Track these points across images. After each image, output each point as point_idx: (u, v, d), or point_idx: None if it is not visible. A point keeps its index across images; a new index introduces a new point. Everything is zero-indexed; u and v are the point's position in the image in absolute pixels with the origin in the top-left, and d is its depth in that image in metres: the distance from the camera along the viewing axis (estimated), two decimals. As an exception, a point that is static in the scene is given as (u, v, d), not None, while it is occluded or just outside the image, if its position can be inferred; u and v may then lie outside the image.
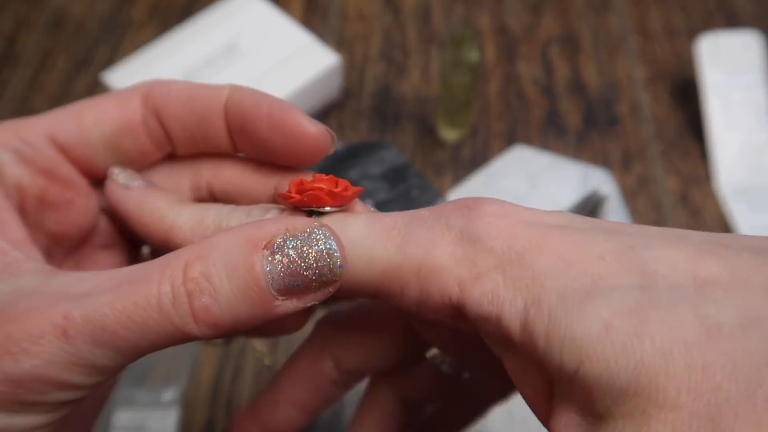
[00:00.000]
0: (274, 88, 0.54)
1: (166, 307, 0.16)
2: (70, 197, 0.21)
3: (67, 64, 0.63)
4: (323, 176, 0.20)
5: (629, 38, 0.64)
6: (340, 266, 0.17)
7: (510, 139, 0.57)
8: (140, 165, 0.22)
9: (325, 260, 0.17)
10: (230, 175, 0.22)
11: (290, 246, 0.17)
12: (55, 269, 0.18)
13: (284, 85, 0.54)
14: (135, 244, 0.24)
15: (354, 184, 0.21)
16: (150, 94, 0.21)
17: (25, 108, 0.59)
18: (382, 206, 0.56)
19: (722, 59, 0.57)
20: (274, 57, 0.56)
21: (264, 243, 0.17)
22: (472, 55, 0.51)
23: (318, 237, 0.17)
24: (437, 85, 0.60)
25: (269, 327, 0.21)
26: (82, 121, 0.21)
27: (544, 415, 0.18)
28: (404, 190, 0.56)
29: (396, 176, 0.56)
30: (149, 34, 0.64)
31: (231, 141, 0.21)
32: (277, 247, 0.17)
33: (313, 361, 0.24)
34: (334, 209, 0.19)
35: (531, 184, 0.51)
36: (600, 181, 0.50)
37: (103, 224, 0.23)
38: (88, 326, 0.16)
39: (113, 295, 0.16)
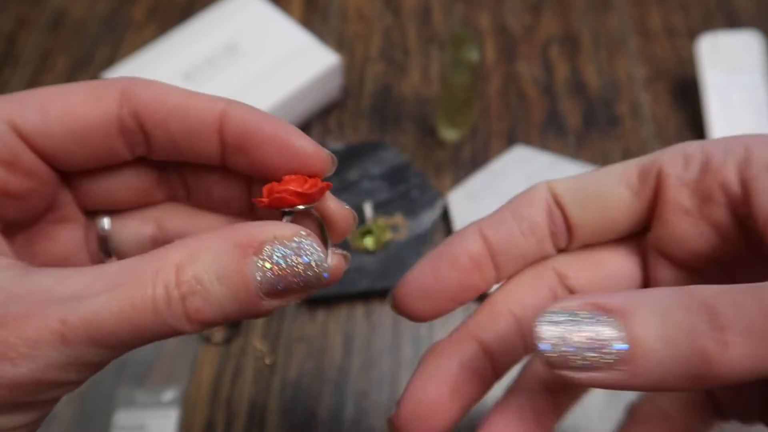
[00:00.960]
0: (274, 88, 0.54)
1: (160, 309, 0.17)
2: (31, 187, 0.20)
3: (67, 64, 0.63)
4: (292, 176, 0.20)
5: (629, 38, 0.64)
6: (326, 275, 0.19)
7: (510, 139, 0.57)
8: (106, 162, 0.21)
9: (313, 270, 0.18)
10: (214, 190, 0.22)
11: (279, 254, 0.18)
12: (27, 265, 0.18)
13: (284, 85, 0.54)
14: (90, 216, 0.24)
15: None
16: (131, 93, 0.20)
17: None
18: (382, 206, 0.56)
19: (722, 59, 0.57)
20: (274, 57, 0.56)
21: (253, 249, 0.18)
22: (472, 55, 0.51)
23: (306, 248, 0.18)
24: (437, 85, 0.60)
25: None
26: (47, 113, 0.20)
27: None
28: (404, 190, 0.56)
29: (396, 176, 0.56)
30: (149, 34, 0.64)
31: (220, 155, 0.21)
32: (266, 255, 0.18)
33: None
34: (304, 207, 0.20)
35: (531, 184, 0.51)
36: (600, 181, 0.50)
37: (61, 199, 0.22)
38: (85, 329, 0.16)
39: (109, 298, 0.17)
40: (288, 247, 0.18)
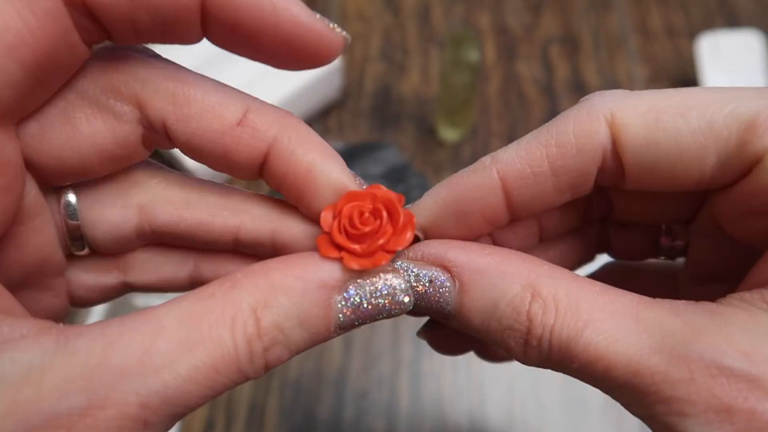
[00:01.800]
0: (274, 88, 0.54)
1: (244, 366, 0.16)
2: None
3: (67, 64, 0.63)
4: (353, 197, 0.19)
5: (629, 38, 0.64)
6: (409, 305, 0.18)
7: (510, 139, 0.57)
8: (56, 63, 0.16)
9: (397, 304, 0.18)
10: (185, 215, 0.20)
11: (363, 294, 0.17)
12: (51, 325, 0.15)
13: (284, 85, 0.54)
14: (56, 198, 0.19)
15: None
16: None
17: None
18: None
19: (722, 59, 0.57)
20: (274, 57, 0.56)
21: (336, 290, 0.17)
22: (472, 55, 0.51)
23: (390, 282, 0.18)
24: (437, 85, 0.60)
25: None
26: None
27: None
28: (404, 190, 0.56)
29: (396, 176, 0.56)
30: (149, 34, 0.64)
31: (202, 33, 0.18)
32: (351, 295, 0.17)
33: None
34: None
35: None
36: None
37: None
38: (168, 407, 0.14)
39: (190, 366, 0.15)
40: (373, 285, 0.17)
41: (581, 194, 0.19)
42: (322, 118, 0.59)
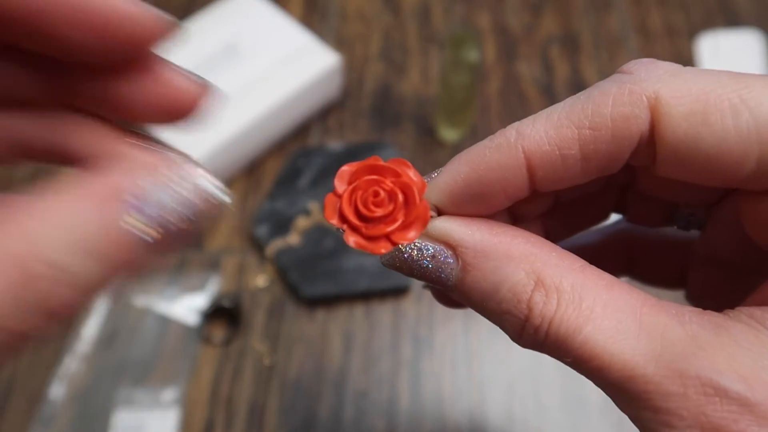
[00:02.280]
0: (274, 88, 0.54)
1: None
2: None
3: (67, 64, 0.63)
4: (363, 166, 0.18)
5: (629, 38, 0.64)
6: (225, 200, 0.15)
7: (510, 139, 0.57)
8: None
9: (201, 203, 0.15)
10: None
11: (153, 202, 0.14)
12: None
13: (284, 85, 0.54)
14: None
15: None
16: None
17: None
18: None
19: (722, 58, 0.57)
20: (274, 57, 0.56)
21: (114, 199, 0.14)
22: (472, 55, 0.51)
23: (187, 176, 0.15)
24: (437, 85, 0.60)
25: None
26: None
27: None
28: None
29: (396, 176, 0.56)
30: (149, 34, 0.64)
31: None
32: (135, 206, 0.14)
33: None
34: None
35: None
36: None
37: None
38: None
39: None
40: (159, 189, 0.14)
41: (607, 174, 0.18)
42: (322, 118, 0.59)
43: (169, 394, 0.46)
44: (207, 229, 0.15)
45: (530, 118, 0.18)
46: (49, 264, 0.12)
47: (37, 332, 0.13)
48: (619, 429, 0.44)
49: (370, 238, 0.18)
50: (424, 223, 0.18)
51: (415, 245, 0.18)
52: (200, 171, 0.15)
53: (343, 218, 0.18)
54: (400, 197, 0.18)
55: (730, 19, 0.65)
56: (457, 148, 0.57)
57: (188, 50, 0.56)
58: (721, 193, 0.21)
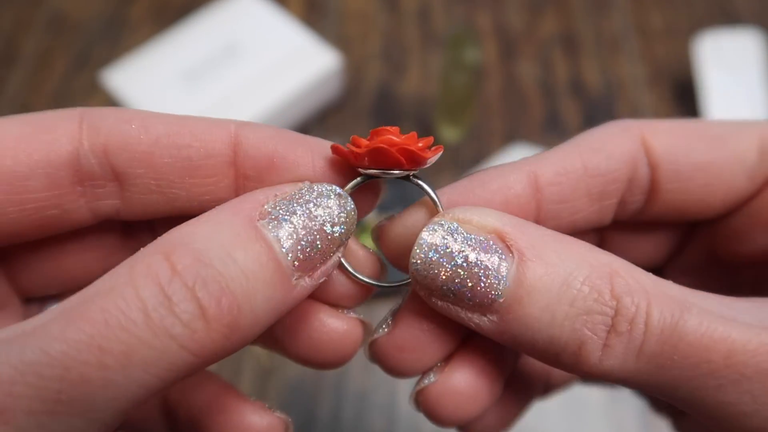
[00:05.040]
0: (273, 87, 0.54)
1: (155, 316, 0.13)
2: None
3: (66, 63, 0.63)
4: (389, 128, 0.17)
5: (629, 37, 0.64)
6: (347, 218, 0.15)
7: (510, 139, 0.57)
8: (51, 229, 0.16)
9: (333, 215, 0.15)
10: None
11: (281, 206, 0.15)
12: None
13: (284, 85, 0.54)
14: (30, 299, 0.18)
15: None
16: (93, 121, 0.15)
17: (24, 108, 0.59)
18: (382, 206, 0.55)
19: (722, 58, 0.57)
20: (274, 57, 0.56)
21: (257, 211, 0.15)
22: (472, 55, 0.51)
23: (321, 192, 0.15)
24: (437, 85, 0.60)
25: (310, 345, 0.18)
26: None
27: None
28: (404, 190, 0.55)
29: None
30: (148, 33, 0.64)
31: (233, 191, 0.16)
32: (269, 207, 0.15)
33: None
34: (403, 173, 0.16)
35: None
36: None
37: None
38: (44, 380, 0.12)
39: (62, 323, 0.12)
40: (292, 199, 0.15)
41: (605, 219, 0.19)
42: (321, 118, 0.59)
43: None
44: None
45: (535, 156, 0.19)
46: (198, 260, 0.14)
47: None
48: (619, 429, 0.44)
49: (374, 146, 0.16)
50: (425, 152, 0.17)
51: (459, 232, 0.15)
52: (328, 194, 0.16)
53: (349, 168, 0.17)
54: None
55: (730, 18, 0.65)
56: (457, 148, 0.57)
57: (188, 50, 0.56)
58: (677, 244, 0.22)
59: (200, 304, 0.13)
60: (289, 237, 0.14)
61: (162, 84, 0.54)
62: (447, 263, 0.15)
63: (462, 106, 0.54)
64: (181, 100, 0.53)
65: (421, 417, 0.21)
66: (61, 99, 0.60)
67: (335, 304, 0.18)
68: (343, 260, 0.17)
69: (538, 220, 0.18)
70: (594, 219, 0.18)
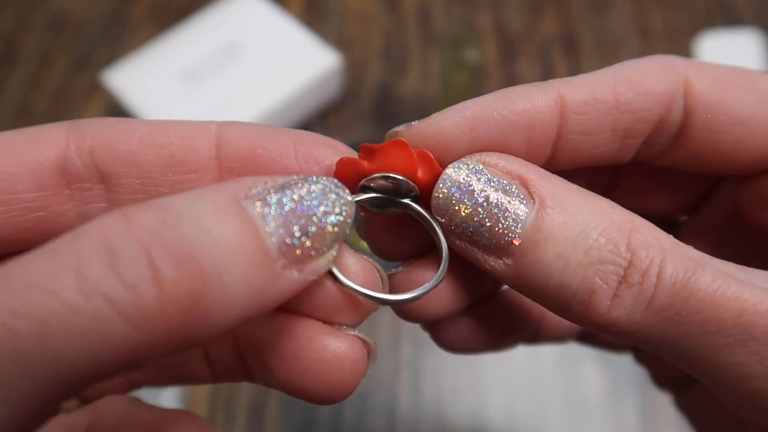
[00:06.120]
0: (274, 88, 0.54)
1: (91, 275, 0.11)
2: None
3: (66, 64, 0.63)
4: (392, 144, 0.16)
5: (630, 38, 0.64)
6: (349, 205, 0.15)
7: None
8: (34, 238, 0.15)
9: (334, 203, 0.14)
10: None
11: (274, 188, 0.14)
12: None
13: (284, 85, 0.54)
14: None
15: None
16: (79, 129, 0.16)
17: (24, 108, 0.59)
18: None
19: (722, 58, 0.57)
20: (274, 57, 0.56)
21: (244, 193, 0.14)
22: (472, 55, 0.51)
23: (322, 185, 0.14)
24: (437, 85, 0.60)
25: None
26: None
27: None
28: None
29: (396, 176, 0.56)
30: (148, 33, 0.64)
31: (220, 180, 0.16)
32: (258, 192, 0.14)
33: None
34: (409, 184, 0.16)
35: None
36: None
37: None
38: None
39: None
40: (289, 182, 0.14)
41: (625, 156, 0.18)
42: (321, 118, 0.59)
43: (170, 394, 0.46)
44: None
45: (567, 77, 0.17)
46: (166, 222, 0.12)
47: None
48: (619, 429, 0.44)
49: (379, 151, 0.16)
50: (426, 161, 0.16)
51: (484, 173, 0.16)
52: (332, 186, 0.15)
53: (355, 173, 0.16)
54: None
55: (730, 18, 0.65)
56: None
57: (188, 50, 0.56)
58: (702, 196, 0.21)
59: (153, 265, 0.11)
60: (276, 218, 0.13)
61: (162, 84, 0.54)
62: (468, 200, 0.16)
63: (462, 106, 0.54)
64: (182, 100, 0.53)
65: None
66: (61, 99, 0.60)
67: (330, 321, 0.16)
68: (335, 269, 0.15)
69: (555, 149, 0.17)
70: (613, 155, 0.18)
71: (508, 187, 0.15)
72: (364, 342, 0.16)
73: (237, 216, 0.12)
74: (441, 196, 0.16)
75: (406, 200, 0.17)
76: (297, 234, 0.13)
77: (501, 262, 0.15)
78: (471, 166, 0.16)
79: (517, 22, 0.66)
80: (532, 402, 0.46)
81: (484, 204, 0.15)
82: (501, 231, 0.15)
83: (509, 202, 0.15)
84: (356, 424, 0.45)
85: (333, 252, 0.15)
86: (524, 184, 0.16)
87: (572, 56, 0.63)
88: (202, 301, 0.11)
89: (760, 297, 0.13)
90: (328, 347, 0.15)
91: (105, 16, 0.66)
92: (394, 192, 0.17)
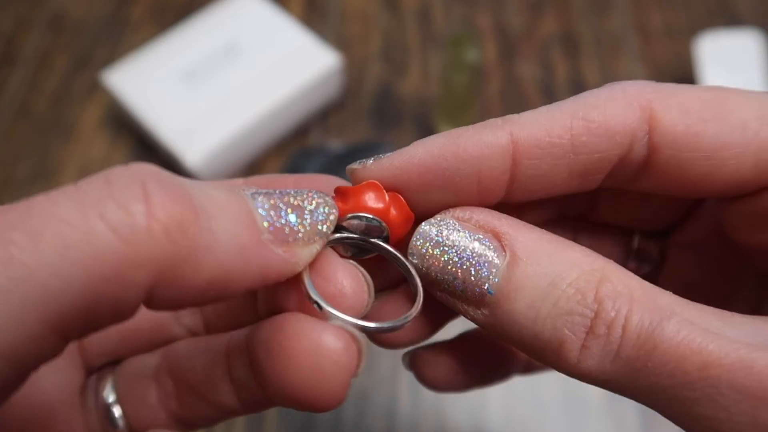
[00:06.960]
0: (274, 88, 0.54)
1: (87, 197, 0.12)
2: None
3: (66, 64, 0.63)
4: (365, 187, 0.17)
5: (629, 37, 0.64)
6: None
7: (510, 139, 0.57)
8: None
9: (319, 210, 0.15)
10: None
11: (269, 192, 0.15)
12: None
13: (284, 85, 0.54)
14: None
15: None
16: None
17: (24, 108, 0.59)
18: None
19: (722, 58, 0.57)
20: (274, 57, 0.56)
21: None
22: (472, 55, 0.51)
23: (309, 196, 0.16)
24: (437, 85, 0.60)
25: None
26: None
27: None
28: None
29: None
30: (148, 33, 0.64)
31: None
32: (253, 191, 0.15)
33: None
34: (379, 226, 0.17)
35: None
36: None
37: None
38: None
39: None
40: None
41: (588, 188, 0.17)
42: (322, 118, 0.59)
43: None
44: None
45: (520, 113, 0.17)
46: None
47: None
48: (619, 429, 0.44)
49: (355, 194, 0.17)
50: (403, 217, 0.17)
51: (453, 227, 0.16)
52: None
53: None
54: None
55: (730, 19, 0.65)
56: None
57: (188, 50, 0.56)
58: (681, 214, 0.20)
59: (146, 190, 0.12)
60: (265, 203, 0.14)
61: (162, 84, 0.54)
62: (440, 255, 0.16)
63: (462, 106, 0.54)
64: (181, 100, 0.53)
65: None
66: (61, 99, 0.60)
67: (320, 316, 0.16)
68: (305, 276, 0.15)
69: (510, 189, 0.17)
70: (576, 188, 0.17)
71: (481, 241, 0.16)
72: (353, 338, 0.16)
73: (231, 191, 0.14)
74: (416, 252, 0.17)
75: (378, 241, 0.17)
76: (284, 219, 0.14)
77: (479, 312, 0.16)
78: (444, 222, 0.17)
79: (517, 22, 0.66)
80: (532, 402, 0.46)
81: (456, 258, 0.16)
82: (475, 283, 0.16)
83: (482, 255, 0.16)
84: (356, 424, 0.45)
85: (317, 246, 0.15)
86: (497, 237, 0.16)
87: (572, 56, 0.63)
88: (188, 233, 0.12)
89: (726, 350, 0.13)
90: (316, 337, 0.15)
91: (105, 16, 0.66)
92: (366, 233, 0.17)
